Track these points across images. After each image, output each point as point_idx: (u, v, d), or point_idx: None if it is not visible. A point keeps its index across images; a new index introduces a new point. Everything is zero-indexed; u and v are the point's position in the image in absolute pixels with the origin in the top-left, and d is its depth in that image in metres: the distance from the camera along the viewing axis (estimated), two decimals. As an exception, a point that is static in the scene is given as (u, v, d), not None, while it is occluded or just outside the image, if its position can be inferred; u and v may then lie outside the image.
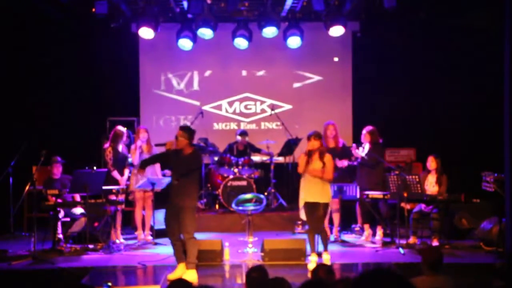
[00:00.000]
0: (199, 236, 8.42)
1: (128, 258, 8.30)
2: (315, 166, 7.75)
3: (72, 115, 11.32)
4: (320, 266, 4.89)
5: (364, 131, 9.40)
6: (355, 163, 9.35)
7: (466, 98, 11.11)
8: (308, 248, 7.94)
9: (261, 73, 12.08)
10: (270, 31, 10.81)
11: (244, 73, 12.10)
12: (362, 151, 9.32)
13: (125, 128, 9.58)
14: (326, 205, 7.83)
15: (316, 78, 12.04)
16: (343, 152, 9.39)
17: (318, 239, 7.91)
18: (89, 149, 10.76)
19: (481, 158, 10.21)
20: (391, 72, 11.59)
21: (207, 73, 12.03)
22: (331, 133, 9.42)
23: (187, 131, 7.40)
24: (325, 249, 7.82)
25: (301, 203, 7.90)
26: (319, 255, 7.90)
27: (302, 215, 7.97)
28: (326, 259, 7.71)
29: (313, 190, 7.76)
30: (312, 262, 7.69)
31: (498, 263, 7.43)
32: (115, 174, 9.18)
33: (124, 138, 9.40)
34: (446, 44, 11.32)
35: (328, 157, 7.82)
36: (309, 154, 7.77)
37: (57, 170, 9.30)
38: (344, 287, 3.86)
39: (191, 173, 7.32)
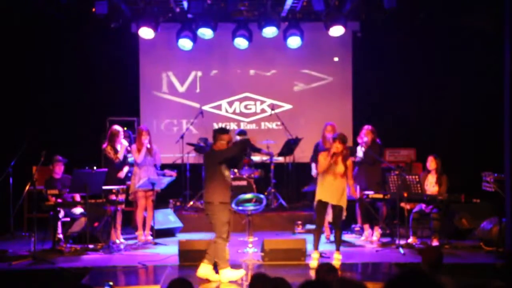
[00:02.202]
0: (199, 236, 8.45)
1: (128, 258, 8.30)
2: (339, 169, 7.76)
3: (72, 115, 11.32)
4: (323, 265, 4.88)
5: (365, 130, 9.40)
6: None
7: (466, 98, 11.11)
8: (310, 247, 7.96)
9: (261, 73, 12.08)
10: (270, 31, 10.81)
11: (244, 73, 12.10)
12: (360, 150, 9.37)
13: (122, 128, 9.58)
14: (342, 208, 7.81)
15: (316, 78, 12.03)
16: None
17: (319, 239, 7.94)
18: (89, 149, 10.76)
19: (481, 158, 10.21)
20: (391, 72, 11.58)
21: (207, 73, 12.03)
22: (330, 134, 9.42)
23: None
24: (337, 249, 7.85)
25: (316, 199, 7.91)
26: (320, 254, 7.93)
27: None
28: (337, 258, 7.74)
29: (332, 192, 7.76)
30: (314, 259, 7.70)
31: (498, 263, 7.44)
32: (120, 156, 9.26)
33: (121, 137, 9.40)
34: (446, 44, 11.33)
35: (350, 162, 7.86)
36: (332, 156, 7.76)
37: (59, 170, 9.31)
38: (343, 287, 3.85)
39: None
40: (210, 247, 7.22)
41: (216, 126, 11.95)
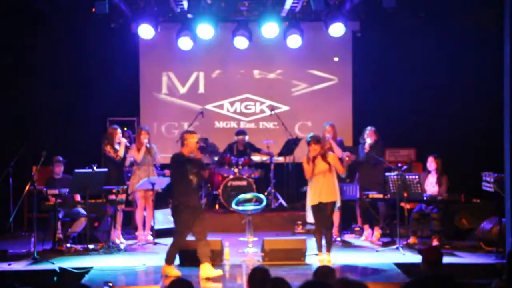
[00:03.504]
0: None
1: (128, 258, 8.30)
2: (322, 168, 7.79)
3: (72, 115, 11.31)
4: (321, 268, 4.89)
5: (368, 131, 9.40)
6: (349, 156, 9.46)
7: (466, 98, 11.10)
8: (310, 248, 7.97)
9: (261, 73, 12.07)
10: (270, 31, 10.80)
11: (244, 73, 12.10)
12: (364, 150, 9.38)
13: (120, 127, 9.63)
14: (332, 204, 7.85)
15: (316, 78, 12.03)
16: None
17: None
18: (89, 149, 10.75)
19: (481, 158, 10.20)
20: (391, 72, 11.58)
21: (208, 73, 12.03)
22: (330, 134, 9.42)
23: None
24: (328, 250, 7.87)
25: (308, 206, 7.94)
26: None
27: (309, 219, 8.02)
28: (328, 260, 7.74)
29: (320, 190, 7.81)
30: (321, 262, 7.69)
31: (498, 264, 7.44)
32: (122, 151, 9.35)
33: (119, 135, 9.42)
34: (446, 44, 11.32)
35: (331, 156, 7.91)
36: (313, 160, 7.80)
37: (59, 170, 9.31)
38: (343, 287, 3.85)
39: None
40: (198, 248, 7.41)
41: (217, 124, 12.00)
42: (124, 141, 9.41)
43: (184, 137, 7.51)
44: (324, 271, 4.55)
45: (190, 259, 7.71)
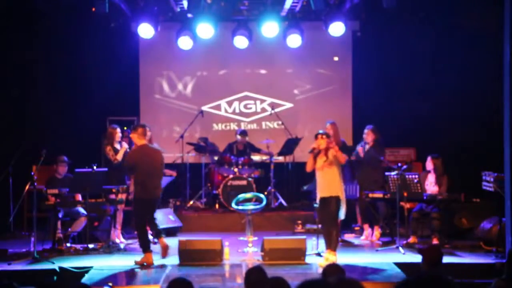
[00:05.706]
0: (199, 236, 8.45)
1: (128, 258, 8.30)
2: (320, 163, 7.80)
3: (72, 115, 11.31)
4: (331, 266, 4.87)
5: (366, 130, 9.42)
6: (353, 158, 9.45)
7: (466, 98, 11.09)
8: (309, 247, 7.97)
9: (261, 72, 12.08)
10: (270, 31, 10.80)
11: (244, 72, 12.10)
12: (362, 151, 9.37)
13: (120, 127, 9.62)
14: (337, 199, 7.80)
15: (316, 77, 12.03)
16: (343, 150, 9.40)
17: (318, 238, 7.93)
18: (89, 149, 10.75)
19: (481, 158, 10.20)
20: (391, 72, 11.58)
21: (208, 73, 12.03)
22: (330, 133, 9.41)
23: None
24: (333, 249, 7.83)
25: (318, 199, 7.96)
26: (318, 254, 7.95)
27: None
28: (332, 259, 7.72)
29: (324, 184, 7.81)
30: (325, 260, 7.65)
31: (498, 263, 7.44)
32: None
33: (119, 135, 9.41)
34: (446, 43, 11.32)
35: (331, 151, 7.84)
36: (315, 152, 7.79)
37: (62, 170, 9.30)
38: (343, 287, 3.84)
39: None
40: None
41: (216, 126, 12.01)
42: (126, 146, 9.36)
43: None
44: (333, 270, 4.52)
45: (190, 258, 7.72)
